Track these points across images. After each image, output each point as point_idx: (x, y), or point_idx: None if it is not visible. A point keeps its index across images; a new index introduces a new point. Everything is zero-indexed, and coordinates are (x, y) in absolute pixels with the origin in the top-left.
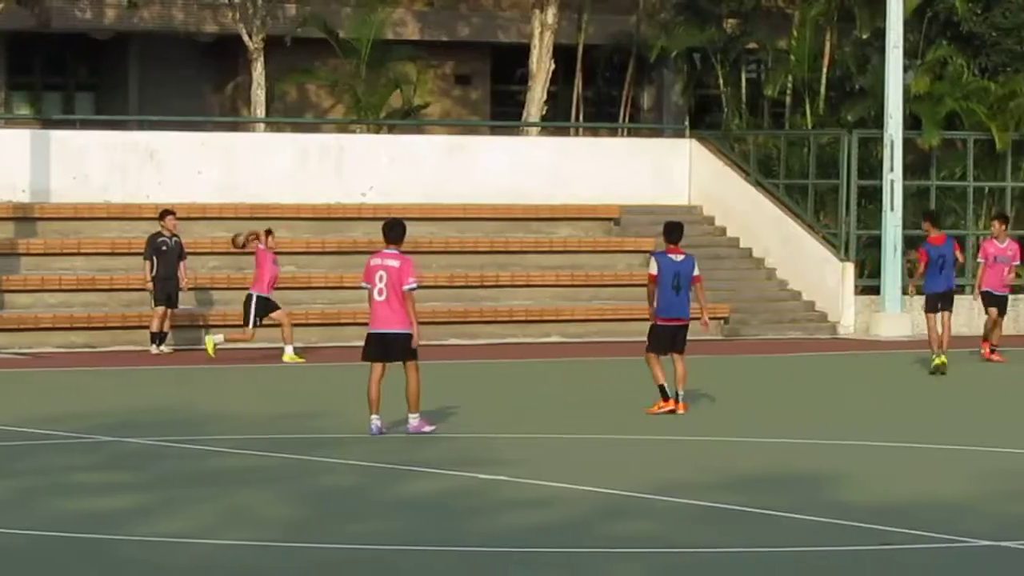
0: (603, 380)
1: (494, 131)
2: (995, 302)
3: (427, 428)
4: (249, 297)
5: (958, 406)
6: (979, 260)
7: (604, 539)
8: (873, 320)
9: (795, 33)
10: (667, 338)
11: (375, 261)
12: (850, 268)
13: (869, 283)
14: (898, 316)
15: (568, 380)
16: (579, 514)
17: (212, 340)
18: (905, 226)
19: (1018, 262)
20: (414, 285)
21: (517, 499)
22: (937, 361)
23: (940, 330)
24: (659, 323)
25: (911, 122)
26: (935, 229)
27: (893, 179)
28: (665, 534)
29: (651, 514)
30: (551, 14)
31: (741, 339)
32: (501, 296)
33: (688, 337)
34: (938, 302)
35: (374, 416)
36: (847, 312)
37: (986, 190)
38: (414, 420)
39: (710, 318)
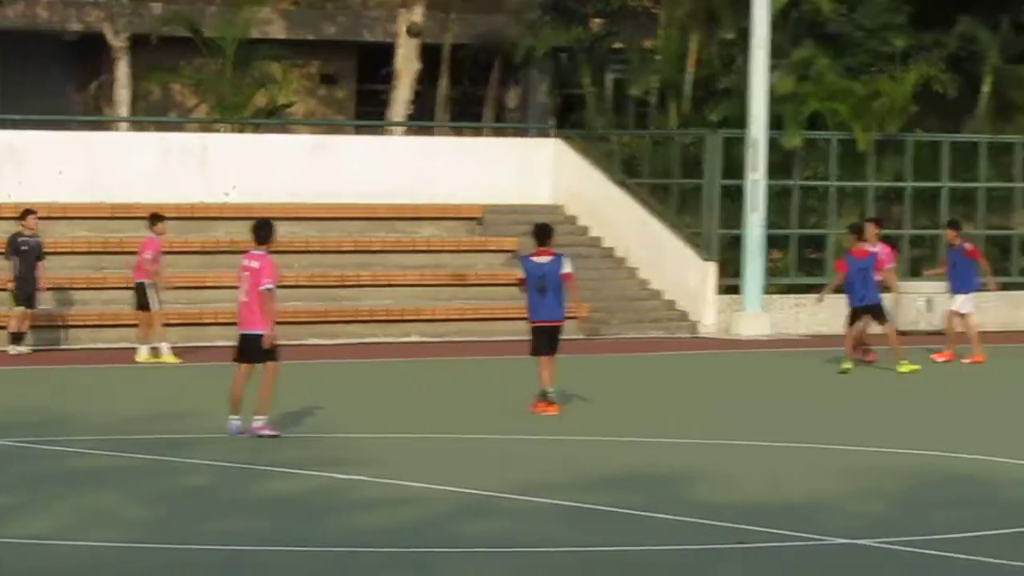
0: (465, 380)
1: (359, 130)
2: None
3: (268, 432)
4: (140, 284)
5: (822, 405)
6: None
7: (464, 539)
8: (734, 319)
9: (661, 33)
10: (543, 339)
11: (243, 262)
12: (712, 268)
13: (732, 282)
14: (758, 315)
15: (429, 380)
16: (439, 513)
17: (165, 355)
18: (769, 226)
19: (893, 264)
20: (269, 286)
21: (377, 498)
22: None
23: (893, 340)
24: (532, 325)
25: (776, 122)
26: (859, 242)
27: (756, 179)
28: (526, 534)
29: (512, 514)
30: (417, 13)
31: (602, 338)
32: (363, 296)
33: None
34: (861, 316)
35: (233, 416)
36: (708, 311)
37: (848, 190)
38: (257, 422)
39: (584, 316)
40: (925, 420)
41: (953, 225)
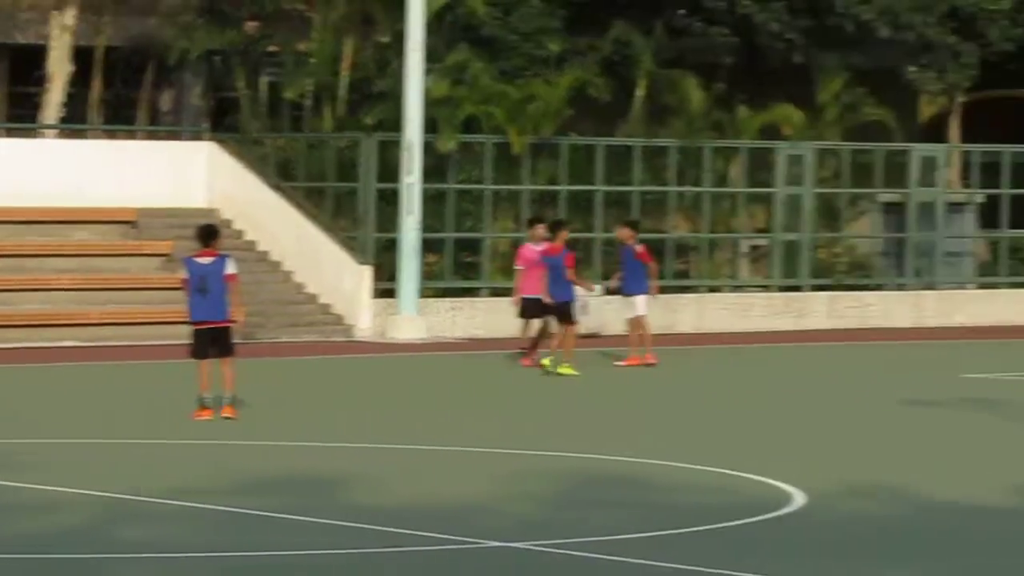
0: (121, 384)
1: (10, 133)
2: (540, 308)
3: None
4: None
5: (481, 409)
6: (519, 267)
7: (121, 544)
8: (389, 323)
9: (315, 36)
10: (203, 342)
11: None
12: (368, 271)
13: (388, 286)
14: (414, 319)
15: (85, 385)
16: (94, 519)
17: None
18: (424, 229)
19: (521, 266)
20: None
21: (29, 504)
22: (549, 367)
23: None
24: (193, 328)
25: (431, 125)
26: (543, 239)
27: (411, 182)
28: (176, 538)
29: (169, 518)
30: (70, 15)
31: (257, 343)
32: (17, 300)
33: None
34: (539, 311)
35: None
36: (364, 315)
37: (503, 193)
38: None
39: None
40: (585, 423)
41: (629, 225)
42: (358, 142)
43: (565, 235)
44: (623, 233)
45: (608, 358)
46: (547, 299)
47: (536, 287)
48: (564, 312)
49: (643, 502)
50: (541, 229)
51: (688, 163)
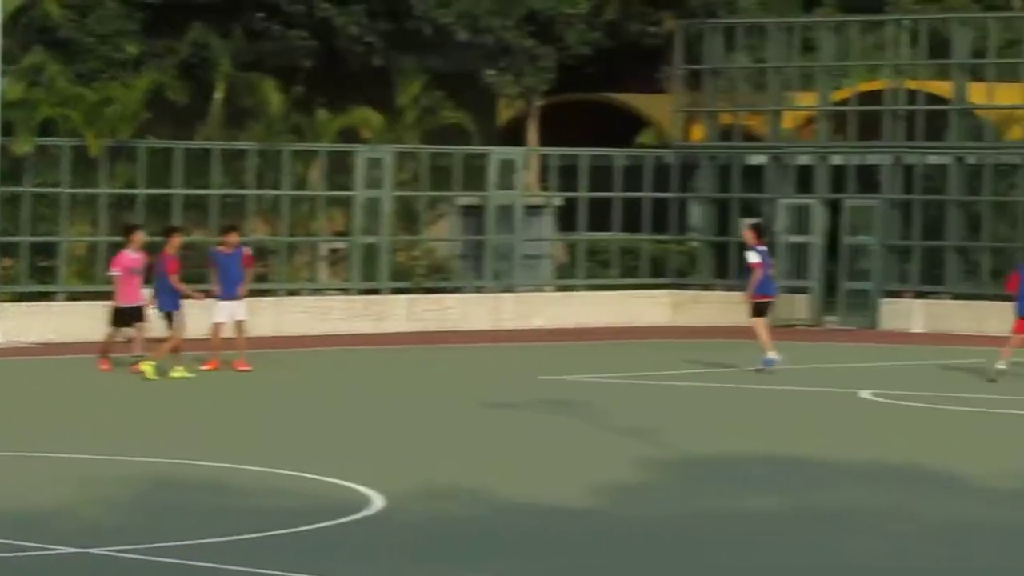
0: None
1: None
2: (135, 315)
3: None
4: None
5: (54, 413)
6: (114, 273)
7: None
8: None
9: None
10: None
11: None
12: None
13: None
14: None
15: None
16: None
17: None
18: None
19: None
20: None
21: None
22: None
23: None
24: None
25: (7, 128)
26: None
27: None
28: None
29: None
30: None
31: None
32: None
33: None
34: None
35: None
36: None
37: (80, 197)
38: None
39: None
40: (160, 427)
41: (236, 230)
42: None
43: (177, 241)
44: (232, 238)
45: (194, 362)
46: (153, 306)
47: (133, 295)
48: (169, 317)
49: (220, 506)
50: (139, 236)
51: (267, 166)
